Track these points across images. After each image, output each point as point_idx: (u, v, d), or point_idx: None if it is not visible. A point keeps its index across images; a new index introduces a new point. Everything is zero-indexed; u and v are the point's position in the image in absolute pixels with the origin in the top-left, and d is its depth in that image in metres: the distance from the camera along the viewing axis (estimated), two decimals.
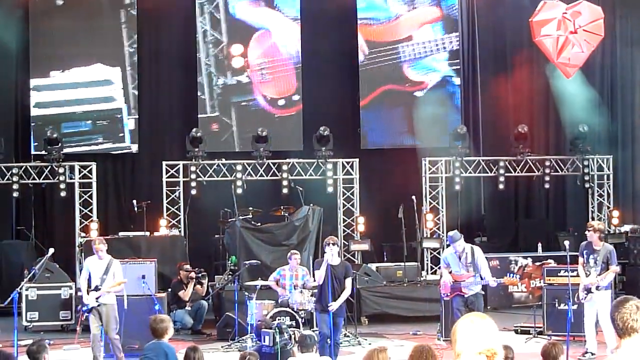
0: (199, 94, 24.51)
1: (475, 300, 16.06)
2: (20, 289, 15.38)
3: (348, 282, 15.41)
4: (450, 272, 16.18)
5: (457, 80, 25.18)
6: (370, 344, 17.02)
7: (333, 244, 15.28)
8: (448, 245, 16.80)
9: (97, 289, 15.30)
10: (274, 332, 14.72)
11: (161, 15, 24.00)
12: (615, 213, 23.77)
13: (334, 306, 15.05)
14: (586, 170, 24.33)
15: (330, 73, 25.00)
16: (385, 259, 23.22)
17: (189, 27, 24.68)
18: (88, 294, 15.25)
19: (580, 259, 16.18)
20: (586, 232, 16.36)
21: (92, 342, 15.20)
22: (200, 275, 20.52)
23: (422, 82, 25.21)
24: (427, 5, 25.22)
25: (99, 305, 15.15)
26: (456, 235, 16.27)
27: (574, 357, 14.51)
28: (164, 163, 23.07)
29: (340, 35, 25.21)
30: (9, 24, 23.54)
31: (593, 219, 24.13)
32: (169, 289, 19.44)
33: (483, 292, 16.72)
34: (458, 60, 25.17)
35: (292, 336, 15.27)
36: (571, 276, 17.28)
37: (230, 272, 20.64)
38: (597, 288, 15.68)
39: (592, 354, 15.56)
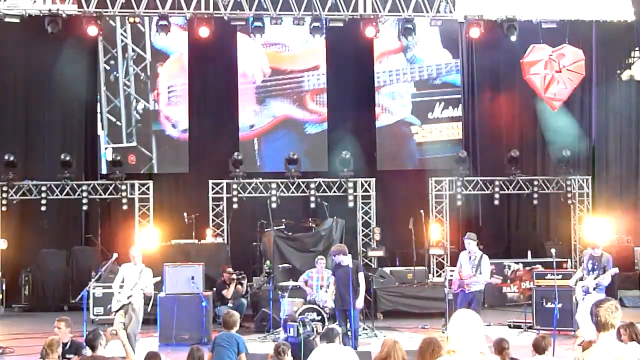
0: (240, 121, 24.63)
1: (474, 297, 16.08)
2: (88, 288, 15.41)
3: (361, 276, 15.79)
4: (459, 272, 16.35)
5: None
6: (385, 336, 16.95)
7: (344, 254, 15.71)
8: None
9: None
10: (298, 325, 14.70)
11: (208, 51, 23.86)
12: (593, 225, 23.66)
13: (359, 304, 15.64)
14: (568, 189, 24.26)
15: (350, 103, 24.94)
16: (398, 263, 23.08)
17: (229, 62, 24.64)
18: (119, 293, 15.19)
19: (581, 265, 16.38)
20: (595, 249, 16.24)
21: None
22: (240, 276, 20.52)
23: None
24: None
25: (129, 303, 15.07)
26: (472, 235, 16.67)
27: (560, 348, 14.37)
28: (210, 182, 23.12)
29: (360, 71, 25.11)
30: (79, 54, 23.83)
31: (575, 231, 24.11)
32: (214, 289, 19.39)
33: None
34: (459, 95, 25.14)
35: (315, 329, 15.26)
36: (557, 279, 17.31)
37: (266, 274, 20.62)
38: (594, 289, 15.65)
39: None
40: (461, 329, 6.08)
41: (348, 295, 15.49)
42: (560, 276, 17.80)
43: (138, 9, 22.49)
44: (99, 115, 23.90)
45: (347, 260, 15.69)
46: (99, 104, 23.89)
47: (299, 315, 16.47)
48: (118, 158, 22.88)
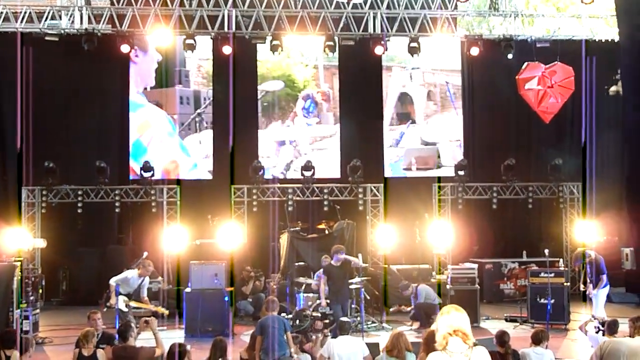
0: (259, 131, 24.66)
1: None
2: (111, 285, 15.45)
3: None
4: None
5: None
6: (392, 328, 16.96)
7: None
8: None
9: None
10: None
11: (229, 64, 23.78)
12: (583, 227, 23.64)
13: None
14: (560, 194, 24.25)
15: (361, 117, 24.87)
16: (404, 262, 22.97)
17: (252, 75, 24.70)
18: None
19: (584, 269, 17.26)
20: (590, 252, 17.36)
21: None
22: (258, 274, 20.59)
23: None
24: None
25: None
26: None
27: (552, 340, 14.32)
28: (232, 187, 23.08)
29: (369, 84, 25.05)
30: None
31: (566, 233, 24.03)
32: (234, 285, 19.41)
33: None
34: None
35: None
36: (550, 277, 17.36)
37: (282, 272, 20.62)
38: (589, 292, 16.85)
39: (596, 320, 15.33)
40: (450, 322, 6.06)
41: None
42: (553, 274, 17.92)
43: (167, 27, 22.60)
44: (130, 125, 24.05)
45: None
46: (130, 115, 24.06)
47: (312, 309, 16.60)
48: (148, 165, 22.87)
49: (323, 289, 16.84)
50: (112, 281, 15.48)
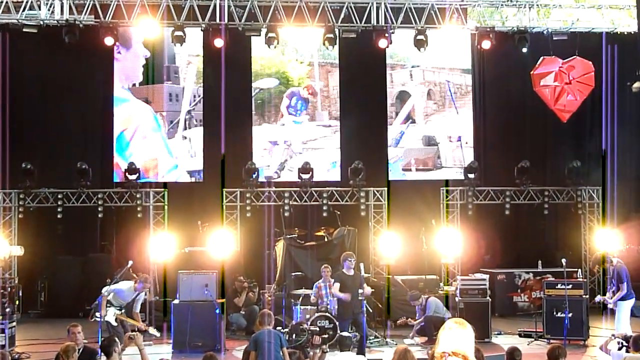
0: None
1: None
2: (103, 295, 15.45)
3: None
4: None
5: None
6: (396, 344, 16.94)
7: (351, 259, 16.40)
8: None
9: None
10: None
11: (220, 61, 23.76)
12: (604, 235, 23.58)
13: None
14: (579, 199, 24.14)
15: (363, 116, 24.82)
16: (409, 272, 22.95)
17: (244, 71, 24.74)
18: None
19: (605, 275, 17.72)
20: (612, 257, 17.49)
21: None
22: (251, 285, 20.58)
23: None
24: None
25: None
26: None
27: (570, 357, 14.30)
28: (224, 190, 23.01)
29: (372, 81, 25.08)
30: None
31: (585, 241, 23.98)
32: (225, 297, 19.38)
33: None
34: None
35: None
36: (567, 289, 17.34)
37: (277, 283, 20.58)
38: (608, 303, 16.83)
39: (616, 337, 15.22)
40: (451, 341, 6.04)
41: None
42: (570, 286, 17.85)
43: (154, 19, 22.57)
44: (114, 124, 24.04)
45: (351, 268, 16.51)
46: (114, 113, 24.04)
47: (310, 323, 16.55)
48: (133, 167, 22.82)
49: (338, 292, 16.60)
50: (105, 290, 15.50)
